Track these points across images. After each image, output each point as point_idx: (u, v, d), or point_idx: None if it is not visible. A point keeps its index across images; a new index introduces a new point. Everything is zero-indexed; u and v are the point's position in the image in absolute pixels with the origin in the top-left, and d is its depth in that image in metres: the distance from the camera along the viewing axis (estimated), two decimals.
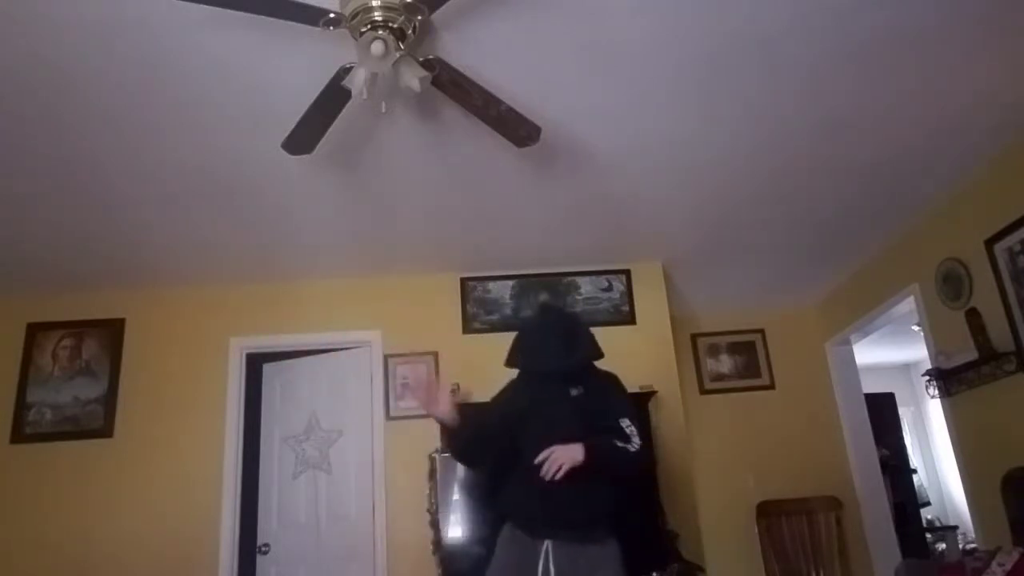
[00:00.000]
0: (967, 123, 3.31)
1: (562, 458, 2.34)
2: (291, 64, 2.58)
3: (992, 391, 3.74)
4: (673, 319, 4.77)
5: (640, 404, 4.24)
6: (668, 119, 3.12)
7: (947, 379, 4.03)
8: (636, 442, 2.50)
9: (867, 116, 3.19)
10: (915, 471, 7.38)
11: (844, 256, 4.86)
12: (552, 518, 2.46)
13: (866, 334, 5.37)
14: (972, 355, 3.77)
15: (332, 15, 2.13)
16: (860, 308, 5.08)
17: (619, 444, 2.47)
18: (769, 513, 5.01)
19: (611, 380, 2.72)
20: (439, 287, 4.63)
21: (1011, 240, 3.54)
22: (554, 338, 2.66)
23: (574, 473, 2.35)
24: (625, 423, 2.53)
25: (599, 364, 2.71)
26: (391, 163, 3.35)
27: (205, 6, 2.03)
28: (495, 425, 2.64)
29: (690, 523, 4.21)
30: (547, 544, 2.44)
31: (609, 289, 4.74)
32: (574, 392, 2.58)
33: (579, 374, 2.63)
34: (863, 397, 5.58)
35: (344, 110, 2.54)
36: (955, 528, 6.16)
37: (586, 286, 4.74)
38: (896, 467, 6.49)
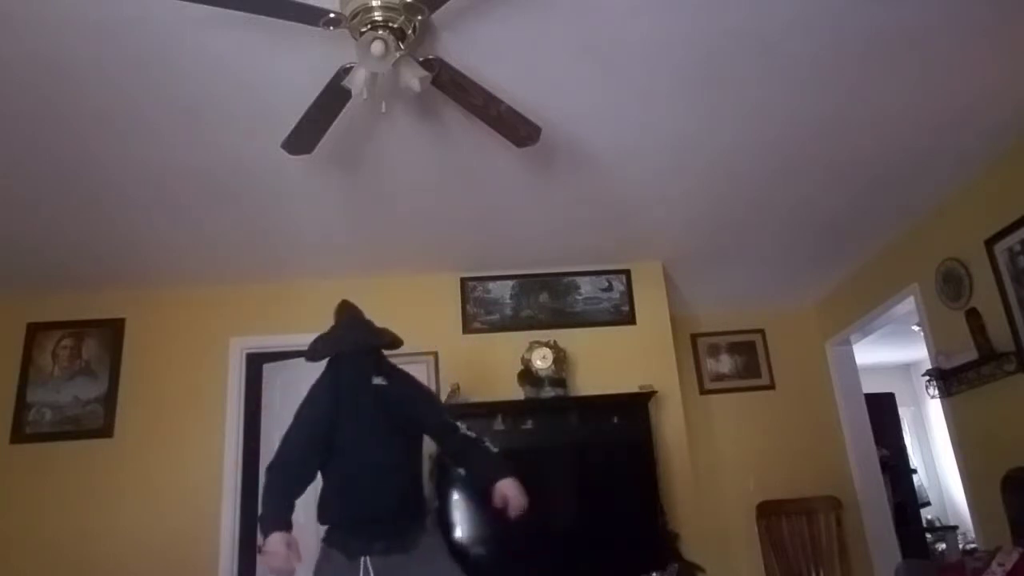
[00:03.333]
0: (968, 123, 3.31)
1: (520, 501, 2.46)
2: (291, 64, 2.58)
3: (992, 391, 3.74)
4: (673, 319, 4.77)
5: (640, 404, 4.25)
6: (668, 119, 3.12)
7: (947, 379, 4.04)
8: (463, 425, 2.67)
9: (867, 115, 3.19)
10: (915, 471, 7.38)
11: (844, 256, 4.86)
12: (363, 531, 2.40)
13: (866, 334, 5.37)
14: (972, 355, 3.77)
15: (332, 15, 2.13)
16: (860, 308, 5.08)
17: (481, 445, 2.62)
18: (769, 513, 5.01)
19: (410, 376, 2.81)
20: (439, 287, 4.63)
21: (1011, 240, 3.54)
22: (357, 324, 2.76)
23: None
24: (445, 412, 2.75)
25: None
26: (391, 163, 3.35)
27: (205, 6, 2.03)
28: (307, 460, 2.51)
29: (690, 523, 4.20)
30: (364, 561, 2.33)
31: (609, 289, 4.74)
32: (377, 381, 2.61)
33: (381, 364, 2.69)
34: (863, 397, 5.58)
35: (344, 110, 2.54)
36: (955, 528, 6.18)
37: (586, 286, 4.74)
38: (896, 467, 6.49)
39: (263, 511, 2.35)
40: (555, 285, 4.72)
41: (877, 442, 5.57)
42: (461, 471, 3.17)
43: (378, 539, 2.37)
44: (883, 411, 6.41)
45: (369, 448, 2.49)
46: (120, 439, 4.25)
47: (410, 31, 2.19)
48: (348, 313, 2.81)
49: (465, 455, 2.71)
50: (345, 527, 2.45)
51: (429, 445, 4.06)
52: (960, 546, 4.02)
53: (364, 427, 2.50)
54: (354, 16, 2.13)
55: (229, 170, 3.30)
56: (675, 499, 4.24)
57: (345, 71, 2.32)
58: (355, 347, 2.67)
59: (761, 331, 5.68)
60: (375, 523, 2.41)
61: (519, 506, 2.47)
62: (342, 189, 3.56)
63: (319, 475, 2.54)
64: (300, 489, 2.46)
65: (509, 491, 2.47)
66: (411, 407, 2.68)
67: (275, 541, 2.23)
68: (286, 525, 2.29)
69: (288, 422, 4.52)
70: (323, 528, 2.54)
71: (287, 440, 2.51)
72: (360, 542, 2.37)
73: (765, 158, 3.50)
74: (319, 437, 2.49)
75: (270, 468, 2.46)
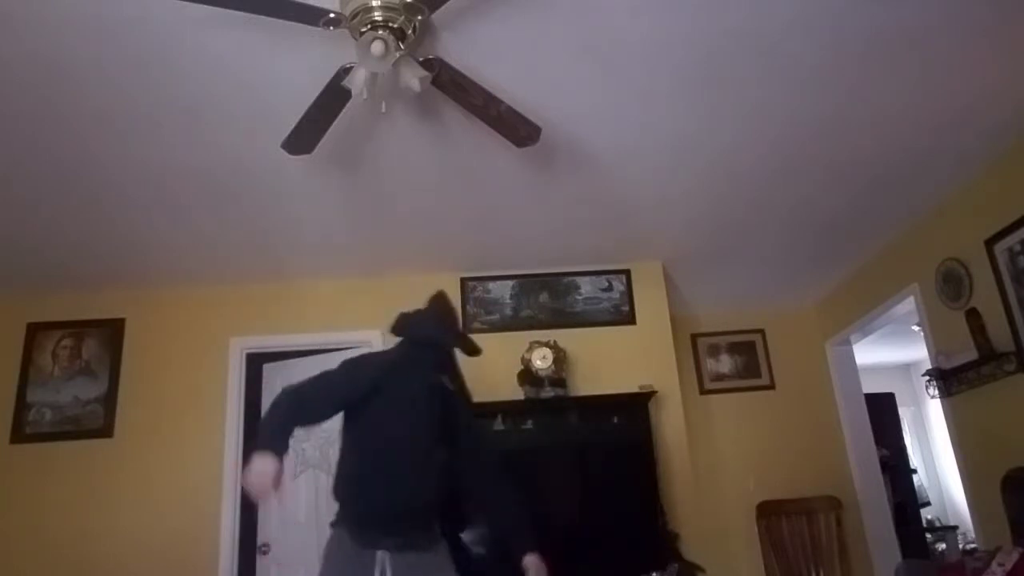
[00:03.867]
0: (968, 123, 3.31)
1: None
2: (291, 64, 2.58)
3: (992, 391, 3.74)
4: (673, 319, 4.77)
5: (640, 404, 4.25)
6: (668, 119, 3.12)
7: (947, 379, 4.04)
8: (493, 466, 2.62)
9: (868, 115, 3.20)
10: (915, 471, 7.38)
11: (844, 256, 4.86)
12: (378, 523, 2.29)
13: (866, 334, 5.37)
14: (972, 355, 3.77)
15: (332, 15, 2.13)
16: (860, 308, 5.08)
17: (516, 506, 2.58)
18: (769, 513, 5.01)
19: (470, 395, 2.71)
20: (439, 287, 4.60)
21: (1011, 240, 3.54)
22: (445, 317, 2.69)
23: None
24: (483, 450, 2.66)
25: None
26: (391, 163, 3.35)
27: (205, 6, 2.03)
28: (326, 406, 2.36)
29: (690, 523, 4.20)
30: (381, 558, 2.23)
31: (609, 289, 4.74)
32: (444, 380, 2.53)
33: (452, 366, 2.61)
34: (863, 397, 5.58)
35: (344, 110, 2.54)
36: (955, 528, 6.17)
37: (586, 286, 4.74)
38: (896, 467, 6.49)
39: (262, 431, 2.17)
40: (555, 285, 4.72)
41: (877, 442, 5.57)
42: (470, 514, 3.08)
43: (391, 535, 2.28)
44: (883, 411, 6.41)
45: (415, 442, 2.37)
46: (120, 439, 4.25)
47: (410, 31, 2.19)
48: (441, 305, 2.73)
49: (496, 509, 2.63)
50: (361, 512, 2.33)
51: None
52: (960, 546, 4.02)
53: (417, 421, 2.38)
54: (354, 16, 2.13)
55: (229, 170, 3.30)
56: (675, 499, 4.24)
57: (345, 71, 2.32)
58: (432, 339, 2.56)
59: (761, 331, 5.68)
60: (395, 519, 2.31)
61: None
62: (342, 189, 3.56)
63: (347, 455, 2.43)
64: (304, 424, 2.35)
65: (536, 567, 2.47)
66: (462, 423, 2.59)
67: (266, 462, 2.01)
68: (281, 451, 2.09)
69: None
70: (333, 514, 2.42)
71: (320, 380, 2.34)
72: (373, 532, 2.27)
73: (765, 158, 3.50)
74: (349, 397, 2.34)
75: (286, 393, 2.25)
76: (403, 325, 2.60)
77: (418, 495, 2.37)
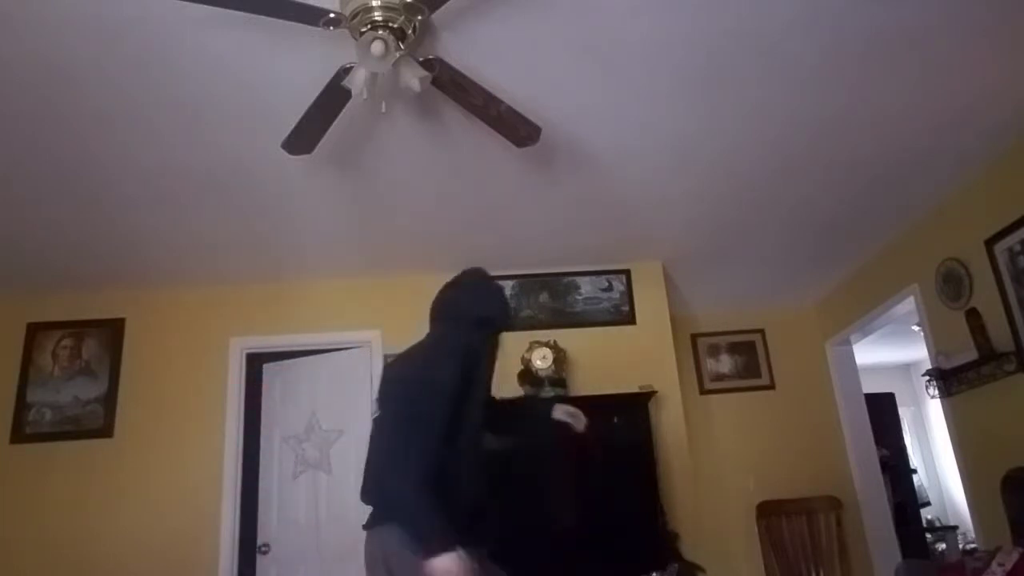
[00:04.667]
0: (968, 123, 3.31)
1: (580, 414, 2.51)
2: (291, 64, 2.58)
3: (992, 391, 3.74)
4: (673, 319, 4.77)
5: (640, 404, 4.25)
6: (668, 119, 3.12)
7: (947, 379, 4.04)
8: None
9: (868, 115, 3.19)
10: (915, 471, 7.38)
11: (844, 256, 4.86)
12: (473, 520, 2.12)
13: (866, 334, 5.37)
14: (972, 355, 3.77)
15: (332, 15, 2.13)
16: (860, 308, 5.08)
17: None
18: (769, 513, 5.01)
19: None
20: (439, 287, 4.61)
21: (1011, 240, 3.54)
22: (504, 296, 2.68)
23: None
24: None
25: None
26: (391, 163, 3.35)
27: (205, 6, 2.03)
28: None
29: (690, 523, 4.21)
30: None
31: (609, 289, 4.74)
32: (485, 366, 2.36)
33: (496, 347, 2.47)
34: (863, 397, 5.58)
35: (344, 110, 2.54)
36: (955, 528, 6.18)
37: (586, 286, 4.74)
38: (896, 467, 6.49)
39: (430, 521, 1.94)
40: (555, 285, 4.73)
41: (877, 442, 5.57)
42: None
43: (479, 536, 2.11)
44: (883, 411, 6.41)
45: (479, 436, 2.25)
46: (120, 439, 4.25)
47: (410, 31, 2.19)
48: (492, 283, 2.58)
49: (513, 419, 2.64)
50: (464, 518, 2.08)
51: None
52: (960, 546, 4.02)
53: (480, 414, 2.23)
54: (354, 16, 2.13)
55: (229, 170, 3.30)
56: (675, 499, 4.24)
57: (345, 71, 2.32)
58: (495, 322, 2.41)
59: (761, 331, 5.68)
60: (476, 520, 2.16)
61: (582, 419, 2.53)
62: (342, 189, 3.56)
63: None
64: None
65: (569, 411, 2.56)
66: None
67: (453, 560, 1.88)
68: (455, 544, 1.92)
69: (286, 420, 4.55)
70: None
71: (429, 426, 2.03)
72: (470, 535, 2.03)
73: (765, 158, 3.50)
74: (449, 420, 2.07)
75: (419, 477, 1.96)
76: (460, 307, 2.46)
77: (483, 492, 2.23)
